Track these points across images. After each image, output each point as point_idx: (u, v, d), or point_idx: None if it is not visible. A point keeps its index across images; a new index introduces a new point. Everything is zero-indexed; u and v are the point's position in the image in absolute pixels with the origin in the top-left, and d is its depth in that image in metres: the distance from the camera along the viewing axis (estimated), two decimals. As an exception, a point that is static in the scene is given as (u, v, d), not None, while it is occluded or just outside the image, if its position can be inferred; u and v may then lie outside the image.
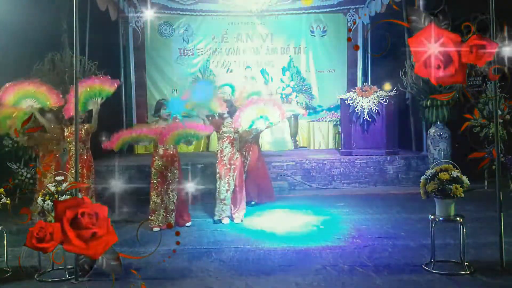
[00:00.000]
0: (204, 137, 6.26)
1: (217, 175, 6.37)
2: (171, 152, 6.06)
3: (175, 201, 6.07)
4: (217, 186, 6.34)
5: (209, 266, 4.59)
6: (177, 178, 6.11)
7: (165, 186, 6.02)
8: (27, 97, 5.85)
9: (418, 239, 5.29)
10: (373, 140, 9.45)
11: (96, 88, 5.79)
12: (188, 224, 6.19)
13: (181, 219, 6.18)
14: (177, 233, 4.95)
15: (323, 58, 12.57)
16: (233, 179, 6.32)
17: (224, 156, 6.32)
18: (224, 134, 6.38)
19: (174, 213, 6.07)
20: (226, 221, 6.31)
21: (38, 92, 5.92)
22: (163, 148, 6.00)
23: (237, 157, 6.37)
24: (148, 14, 8.44)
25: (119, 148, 5.81)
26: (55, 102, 6.04)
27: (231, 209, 6.38)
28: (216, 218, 6.33)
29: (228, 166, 6.29)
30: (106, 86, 5.87)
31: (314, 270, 4.45)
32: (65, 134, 6.34)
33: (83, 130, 6.31)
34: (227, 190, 6.28)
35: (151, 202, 6.03)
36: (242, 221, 6.36)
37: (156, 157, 6.05)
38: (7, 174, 7.47)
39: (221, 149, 6.38)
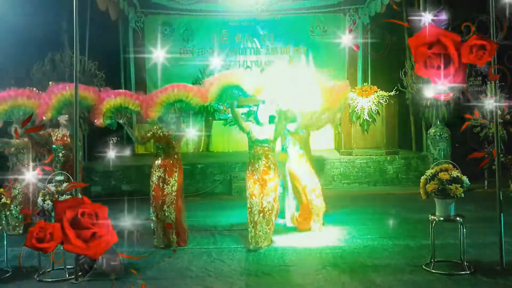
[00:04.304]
0: (196, 105, 5.32)
1: (248, 192, 5.37)
2: (171, 161, 5.36)
3: (173, 218, 5.28)
4: (248, 205, 5.33)
5: (209, 266, 4.59)
6: (175, 192, 5.34)
7: (160, 201, 5.29)
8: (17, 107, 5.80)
9: (418, 239, 5.29)
10: (373, 140, 9.46)
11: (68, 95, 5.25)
12: (183, 245, 5.36)
13: (177, 237, 5.37)
14: (174, 251, 4.96)
15: (323, 58, 12.57)
16: (271, 199, 5.31)
17: (256, 169, 5.36)
18: (258, 143, 5.41)
19: (174, 231, 5.30)
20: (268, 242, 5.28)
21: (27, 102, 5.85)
22: (162, 157, 5.38)
23: (273, 172, 5.38)
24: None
25: (108, 123, 5.30)
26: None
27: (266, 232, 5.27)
28: (252, 247, 5.17)
29: (262, 182, 5.31)
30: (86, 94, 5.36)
31: (314, 270, 4.45)
32: (52, 139, 6.32)
33: (68, 137, 6.25)
34: (259, 211, 5.27)
35: (151, 220, 5.35)
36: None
37: (154, 167, 5.39)
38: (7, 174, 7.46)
39: (252, 160, 5.41)
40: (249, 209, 5.30)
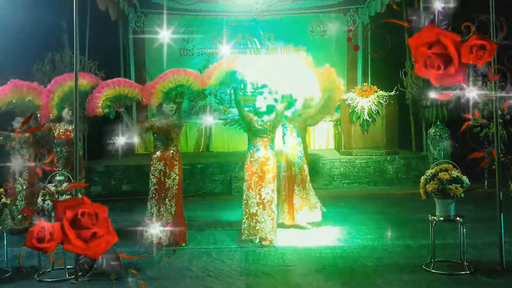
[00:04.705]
0: (197, 89, 5.34)
1: (245, 184, 5.40)
2: (170, 154, 5.34)
3: (173, 212, 5.28)
4: (244, 198, 5.38)
5: (209, 266, 4.59)
6: (177, 185, 5.34)
7: (163, 195, 5.27)
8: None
9: (418, 239, 5.29)
10: (373, 140, 9.46)
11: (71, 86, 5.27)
12: (182, 244, 5.30)
13: (177, 235, 5.31)
14: (174, 251, 4.97)
15: (323, 58, 12.55)
16: (269, 190, 5.30)
17: (255, 160, 5.39)
18: (257, 133, 5.41)
19: (172, 231, 5.23)
20: (265, 242, 5.23)
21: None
22: (161, 150, 5.35)
23: (273, 163, 5.39)
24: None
25: (106, 112, 5.22)
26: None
27: (266, 227, 5.23)
28: (244, 237, 5.27)
29: (260, 174, 5.33)
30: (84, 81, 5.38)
31: (314, 270, 4.45)
32: (54, 134, 6.31)
33: (72, 132, 6.20)
34: (258, 204, 5.28)
35: (147, 213, 5.30)
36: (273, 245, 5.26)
37: (154, 160, 5.35)
38: (7, 174, 7.47)
39: (251, 151, 5.43)
40: (245, 201, 5.35)
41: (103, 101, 5.18)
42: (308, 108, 6.13)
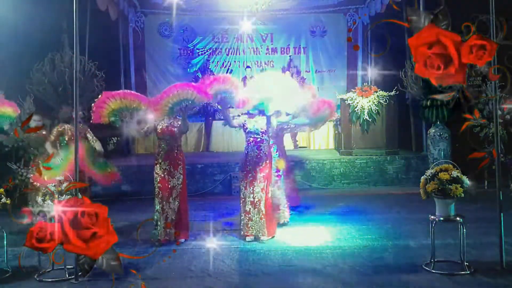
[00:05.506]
0: (201, 103, 5.53)
1: (241, 184, 5.58)
2: (175, 154, 5.46)
3: (175, 209, 5.41)
4: (242, 196, 5.54)
5: (209, 266, 4.59)
6: (181, 184, 5.47)
7: (167, 193, 5.36)
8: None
9: (418, 239, 5.29)
10: (373, 140, 9.46)
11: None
12: (182, 240, 5.44)
13: (179, 232, 5.46)
14: (174, 251, 5.00)
15: (323, 58, 12.59)
16: (259, 189, 5.44)
17: (249, 160, 5.53)
18: (250, 134, 5.57)
19: (173, 228, 5.39)
20: (264, 238, 5.42)
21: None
22: (165, 150, 5.44)
23: (264, 163, 5.51)
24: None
25: (112, 120, 5.28)
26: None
27: (258, 227, 5.40)
28: (242, 233, 5.48)
29: (253, 173, 5.46)
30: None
31: (314, 270, 4.45)
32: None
33: (84, 131, 6.31)
34: (251, 202, 5.44)
35: (155, 211, 5.40)
36: (265, 241, 5.40)
37: (159, 160, 5.46)
38: (7, 174, 7.47)
39: (245, 151, 5.60)
40: (242, 199, 5.51)
41: (109, 111, 5.25)
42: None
